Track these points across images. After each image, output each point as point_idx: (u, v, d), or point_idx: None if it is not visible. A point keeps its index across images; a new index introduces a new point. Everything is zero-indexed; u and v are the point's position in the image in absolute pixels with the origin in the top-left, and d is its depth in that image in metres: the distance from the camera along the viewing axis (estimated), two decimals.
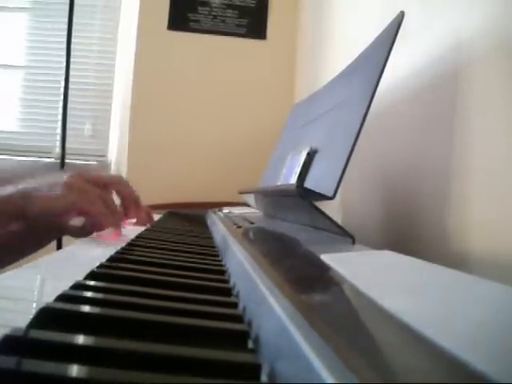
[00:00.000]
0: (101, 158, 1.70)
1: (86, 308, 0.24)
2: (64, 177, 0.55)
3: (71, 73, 1.48)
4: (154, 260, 0.41)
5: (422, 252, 0.55)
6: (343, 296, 0.23)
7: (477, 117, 0.48)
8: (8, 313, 0.25)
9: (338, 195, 0.46)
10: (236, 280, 0.34)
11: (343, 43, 1.01)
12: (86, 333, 0.20)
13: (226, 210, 0.96)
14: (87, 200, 0.54)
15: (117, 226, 0.57)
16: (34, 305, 0.26)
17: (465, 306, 0.19)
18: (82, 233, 0.57)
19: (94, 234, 0.58)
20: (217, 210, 1.02)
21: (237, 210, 0.94)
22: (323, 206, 0.51)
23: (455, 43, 0.53)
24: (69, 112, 1.48)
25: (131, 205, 0.65)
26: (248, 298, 0.27)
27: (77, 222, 0.57)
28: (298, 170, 0.62)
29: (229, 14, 1.53)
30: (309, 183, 0.57)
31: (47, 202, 0.52)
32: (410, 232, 0.60)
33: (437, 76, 0.56)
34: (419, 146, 0.59)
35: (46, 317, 0.21)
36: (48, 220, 0.53)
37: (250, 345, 0.22)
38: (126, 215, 0.64)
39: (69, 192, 0.53)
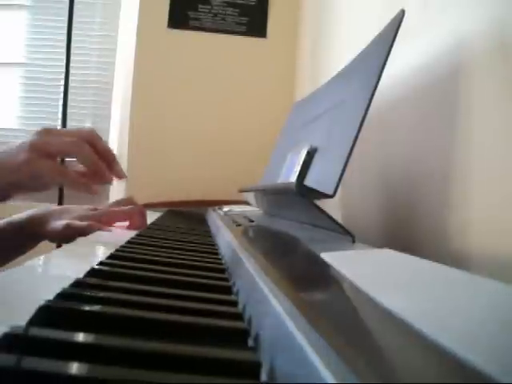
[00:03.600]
0: None
1: (86, 306, 0.24)
2: (28, 142, 0.51)
3: (71, 70, 1.47)
4: (154, 258, 0.41)
5: (422, 250, 0.55)
6: (343, 294, 0.23)
7: (477, 116, 0.48)
8: (7, 310, 0.24)
9: (338, 193, 0.46)
10: (236, 278, 0.34)
11: (344, 41, 1.01)
12: (85, 331, 0.20)
13: (226, 208, 0.96)
14: (54, 169, 0.50)
15: (91, 188, 0.52)
16: (34, 302, 0.26)
17: (465, 305, 0.19)
18: (62, 238, 0.53)
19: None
20: (217, 208, 1.02)
21: (237, 208, 0.94)
22: (323, 204, 0.51)
23: (456, 42, 0.53)
24: (69, 110, 1.47)
25: (109, 161, 0.58)
26: (248, 296, 0.27)
27: (57, 225, 0.54)
28: (297, 168, 0.62)
29: (229, 12, 1.53)
30: (309, 181, 0.56)
31: (12, 173, 0.48)
32: (410, 230, 0.60)
33: (437, 74, 0.56)
34: (420, 144, 0.59)
35: (45, 314, 0.21)
36: (14, 191, 0.49)
37: (250, 343, 0.22)
38: (104, 172, 0.56)
39: (35, 158, 0.49)
